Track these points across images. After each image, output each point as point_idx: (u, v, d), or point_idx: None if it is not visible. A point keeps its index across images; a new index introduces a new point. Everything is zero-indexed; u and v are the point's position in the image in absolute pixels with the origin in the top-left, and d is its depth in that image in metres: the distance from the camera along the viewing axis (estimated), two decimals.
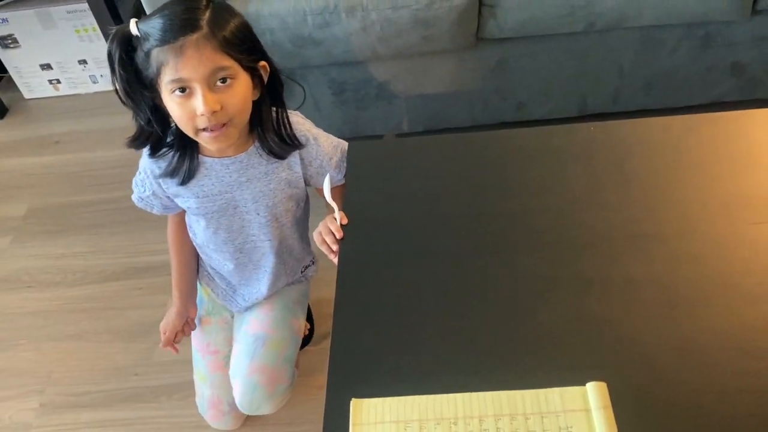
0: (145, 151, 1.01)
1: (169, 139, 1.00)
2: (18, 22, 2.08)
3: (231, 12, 0.92)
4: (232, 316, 1.29)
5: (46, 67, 2.19)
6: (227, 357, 1.25)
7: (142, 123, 0.96)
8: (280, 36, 1.49)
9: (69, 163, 2.01)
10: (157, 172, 1.03)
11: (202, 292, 1.29)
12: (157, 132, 0.97)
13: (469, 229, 0.89)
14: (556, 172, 0.95)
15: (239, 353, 1.20)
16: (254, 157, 1.03)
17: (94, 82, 2.22)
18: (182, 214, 1.15)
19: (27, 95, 2.27)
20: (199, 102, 0.88)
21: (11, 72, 2.21)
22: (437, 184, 0.96)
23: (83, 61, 2.16)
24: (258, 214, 1.08)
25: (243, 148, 1.02)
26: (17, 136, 2.15)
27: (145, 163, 1.04)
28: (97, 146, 2.02)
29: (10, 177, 2.01)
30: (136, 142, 0.99)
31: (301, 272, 1.28)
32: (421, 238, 0.88)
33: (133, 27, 0.88)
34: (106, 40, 0.91)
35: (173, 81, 0.87)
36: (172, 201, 1.08)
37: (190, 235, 1.18)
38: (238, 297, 1.25)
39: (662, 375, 0.72)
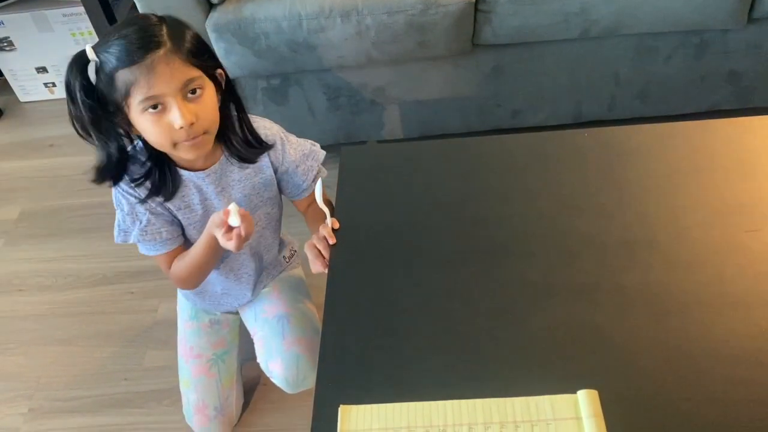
0: (116, 188, 1.00)
1: (144, 159, 0.99)
2: (14, 25, 2.07)
3: (184, 24, 0.93)
4: (212, 321, 1.29)
5: (42, 70, 2.19)
6: (211, 360, 1.25)
7: (112, 151, 0.94)
8: (275, 40, 1.49)
9: (62, 166, 2.01)
10: (143, 194, 1.00)
11: (183, 298, 1.30)
12: (123, 159, 0.96)
13: (462, 234, 0.88)
14: (549, 178, 0.95)
15: (267, 337, 1.19)
16: (226, 165, 1.04)
17: None
18: (175, 254, 1.08)
19: (22, 98, 2.27)
20: (176, 116, 0.88)
21: (6, 75, 2.21)
22: (430, 190, 0.95)
23: None
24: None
25: (213, 160, 1.03)
26: (11, 139, 2.15)
27: (123, 198, 1.01)
28: (90, 150, 1.98)
29: (3, 180, 2.01)
30: (103, 173, 0.96)
31: (286, 262, 1.29)
32: (413, 244, 0.88)
33: (90, 53, 0.88)
34: None
35: (146, 99, 0.87)
36: (171, 213, 1.04)
37: None
38: (223, 301, 1.27)
39: (654, 383, 0.71)
